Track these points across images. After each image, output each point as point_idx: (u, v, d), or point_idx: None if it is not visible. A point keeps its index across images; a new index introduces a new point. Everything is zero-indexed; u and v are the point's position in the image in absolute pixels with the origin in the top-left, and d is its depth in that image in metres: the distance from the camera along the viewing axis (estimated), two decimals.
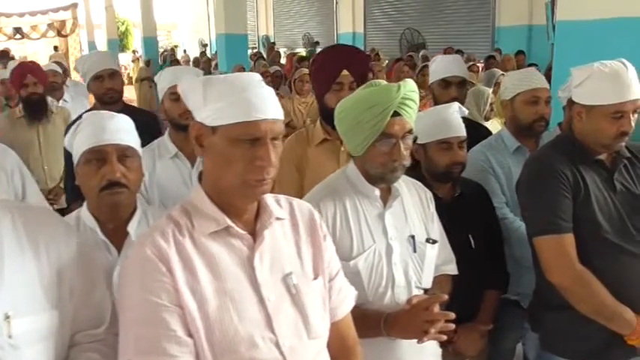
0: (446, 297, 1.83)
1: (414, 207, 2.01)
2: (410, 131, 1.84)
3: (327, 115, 2.53)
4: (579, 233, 2.06)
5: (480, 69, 7.76)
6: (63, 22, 21.57)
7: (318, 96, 2.59)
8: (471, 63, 7.10)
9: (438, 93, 3.07)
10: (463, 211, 2.33)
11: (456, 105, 2.34)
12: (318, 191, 1.96)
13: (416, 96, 1.83)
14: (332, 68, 2.50)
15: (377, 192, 1.91)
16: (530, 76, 2.69)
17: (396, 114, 1.79)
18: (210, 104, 1.33)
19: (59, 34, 21.83)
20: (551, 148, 2.22)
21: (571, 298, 2.05)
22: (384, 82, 1.87)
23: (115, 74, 3.18)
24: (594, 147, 2.12)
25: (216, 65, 10.50)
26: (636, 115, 2.08)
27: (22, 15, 21.23)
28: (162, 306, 1.27)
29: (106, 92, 3.16)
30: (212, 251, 1.36)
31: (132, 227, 1.80)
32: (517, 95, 2.66)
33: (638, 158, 2.19)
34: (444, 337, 1.81)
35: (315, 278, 1.51)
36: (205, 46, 22.26)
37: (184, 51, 22.64)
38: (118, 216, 1.80)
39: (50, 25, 21.71)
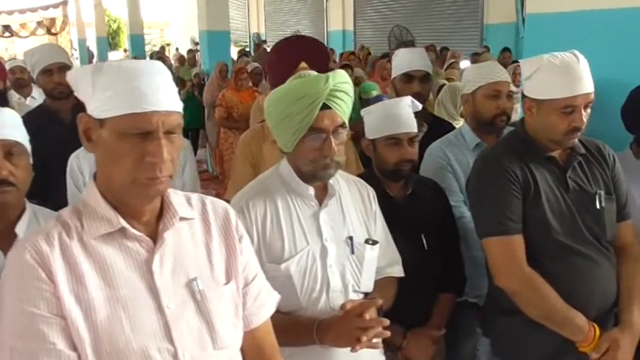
0: (380, 302, 1.73)
1: (353, 206, 1.90)
2: (342, 125, 1.73)
3: None
4: (529, 234, 1.96)
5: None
6: (53, 20, 21.40)
7: (273, 88, 2.48)
8: (452, 60, 6.98)
9: (400, 88, 2.96)
10: (415, 210, 2.22)
11: (407, 99, 2.23)
12: (248, 189, 1.85)
13: (348, 87, 1.72)
14: (290, 60, 2.42)
15: (311, 190, 1.80)
16: (491, 69, 2.58)
17: (326, 107, 1.68)
18: (98, 94, 1.22)
19: (49, 32, 21.64)
20: (501, 145, 2.12)
21: (520, 302, 1.95)
22: (314, 73, 1.76)
23: (64, 68, 3.04)
24: (546, 143, 2.01)
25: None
26: (589, 110, 1.97)
27: (10, 13, 21.05)
28: (39, 316, 1.16)
29: (55, 87, 3.03)
30: (104, 255, 1.25)
31: (20, 228, 1.68)
32: (478, 89, 2.55)
33: (594, 155, 2.09)
34: (379, 346, 1.71)
35: (227, 283, 1.39)
36: (197, 44, 22.10)
37: (176, 49, 22.50)
38: (5, 216, 1.67)
39: (40, 23, 21.52)
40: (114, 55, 23.78)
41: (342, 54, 10.63)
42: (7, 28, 21.07)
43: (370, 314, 1.67)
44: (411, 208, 2.22)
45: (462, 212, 2.43)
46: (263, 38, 20.09)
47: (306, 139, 1.70)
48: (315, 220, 1.80)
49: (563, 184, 2.01)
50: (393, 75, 3.02)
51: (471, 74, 2.61)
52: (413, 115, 2.21)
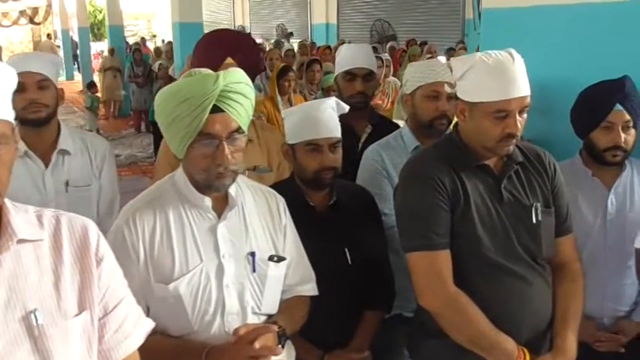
0: (276, 328, 1.56)
1: (259, 218, 1.72)
2: (238, 130, 1.54)
3: None
4: (457, 250, 1.79)
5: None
6: (36, 10, 21.06)
7: None
8: (429, 56, 6.81)
9: (343, 86, 2.78)
10: (339, 222, 2.04)
11: (331, 101, 2.04)
12: (139, 199, 1.67)
13: (244, 88, 1.54)
14: (215, 54, 2.25)
15: (207, 201, 1.62)
16: (432, 69, 2.38)
17: (218, 110, 1.50)
18: None
19: (31, 21, 21.31)
20: (431, 151, 1.93)
21: (444, 324, 1.78)
22: (208, 71, 1.57)
23: None
24: (479, 150, 1.83)
25: None
26: (525, 115, 1.79)
27: None
28: None
29: None
30: None
31: None
32: (417, 89, 2.37)
33: (533, 163, 1.91)
34: None
35: (79, 314, 1.20)
36: None
37: (162, 40, 22.21)
38: None
39: (22, 13, 21.18)
40: (98, 46, 23.44)
41: (318, 48, 10.42)
42: None
43: (264, 341, 1.50)
44: (334, 219, 2.04)
45: (394, 221, 2.24)
46: (247, 31, 19.89)
47: (197, 145, 1.52)
48: (212, 235, 1.62)
49: (497, 195, 1.83)
50: (336, 72, 2.83)
51: (410, 73, 2.42)
52: (337, 118, 2.03)
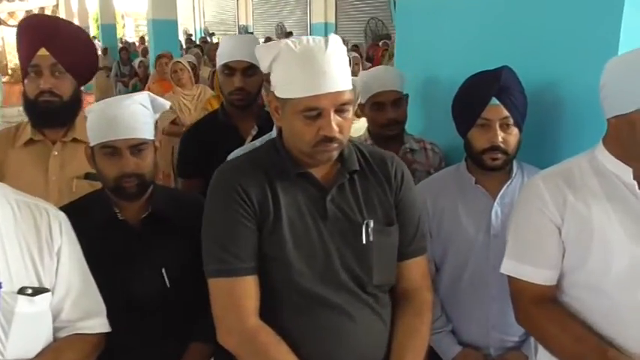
0: None
1: (18, 241, 1.40)
2: None
3: (27, 107, 2.03)
4: (267, 276, 1.48)
5: None
6: (42, 10, 21.04)
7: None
8: None
9: (222, 81, 2.48)
10: (155, 238, 1.74)
11: (140, 96, 1.72)
12: None
13: None
14: (28, 43, 1.98)
15: None
16: None
17: None
18: None
19: None
20: (246, 156, 1.62)
21: None
22: None
23: None
24: (298, 156, 1.52)
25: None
26: (348, 114, 1.47)
27: None
28: None
29: None
30: None
31: None
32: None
33: (374, 172, 1.59)
34: None
35: None
36: (190, 35, 21.81)
37: None
38: None
39: (28, 12, 21.18)
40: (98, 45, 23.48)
41: None
42: None
43: None
44: (149, 234, 1.73)
45: None
46: (250, 30, 19.68)
47: None
48: None
49: (321, 210, 1.51)
50: (217, 66, 2.53)
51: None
52: (147, 116, 1.72)
